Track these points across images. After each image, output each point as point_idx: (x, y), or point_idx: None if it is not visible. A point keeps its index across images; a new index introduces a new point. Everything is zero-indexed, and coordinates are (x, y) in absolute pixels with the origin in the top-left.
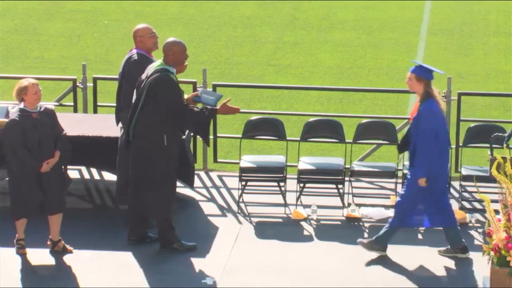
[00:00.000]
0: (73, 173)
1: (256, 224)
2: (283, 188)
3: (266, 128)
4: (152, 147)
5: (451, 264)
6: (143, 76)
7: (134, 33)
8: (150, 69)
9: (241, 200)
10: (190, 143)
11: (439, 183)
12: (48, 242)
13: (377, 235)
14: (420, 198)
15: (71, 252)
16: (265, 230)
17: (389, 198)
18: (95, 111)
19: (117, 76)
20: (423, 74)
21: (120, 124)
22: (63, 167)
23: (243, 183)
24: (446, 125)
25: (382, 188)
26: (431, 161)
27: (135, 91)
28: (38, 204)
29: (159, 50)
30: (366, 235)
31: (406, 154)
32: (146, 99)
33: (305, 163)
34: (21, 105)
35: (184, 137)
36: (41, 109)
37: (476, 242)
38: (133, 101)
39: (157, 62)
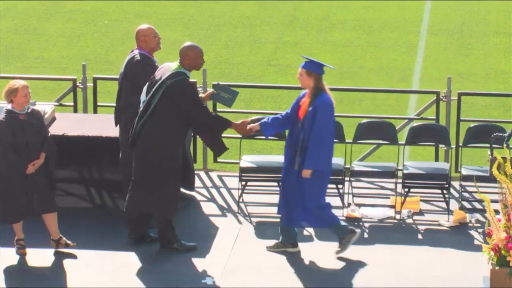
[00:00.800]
0: (73, 173)
1: (256, 224)
2: None
3: None
4: (158, 147)
5: (451, 264)
6: (157, 77)
7: (137, 33)
8: (165, 70)
9: (241, 200)
10: (190, 145)
11: (325, 179)
12: (51, 243)
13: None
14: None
15: (73, 246)
16: (265, 230)
17: (389, 198)
18: (95, 111)
19: (117, 76)
20: (313, 69)
21: (119, 125)
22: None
23: (243, 183)
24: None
25: (382, 188)
26: (324, 154)
27: (144, 90)
28: (25, 207)
29: (160, 50)
30: (366, 235)
31: (406, 153)
32: (161, 100)
33: None
34: (9, 106)
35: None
36: (29, 111)
37: (476, 242)
38: (141, 100)
39: (174, 65)
